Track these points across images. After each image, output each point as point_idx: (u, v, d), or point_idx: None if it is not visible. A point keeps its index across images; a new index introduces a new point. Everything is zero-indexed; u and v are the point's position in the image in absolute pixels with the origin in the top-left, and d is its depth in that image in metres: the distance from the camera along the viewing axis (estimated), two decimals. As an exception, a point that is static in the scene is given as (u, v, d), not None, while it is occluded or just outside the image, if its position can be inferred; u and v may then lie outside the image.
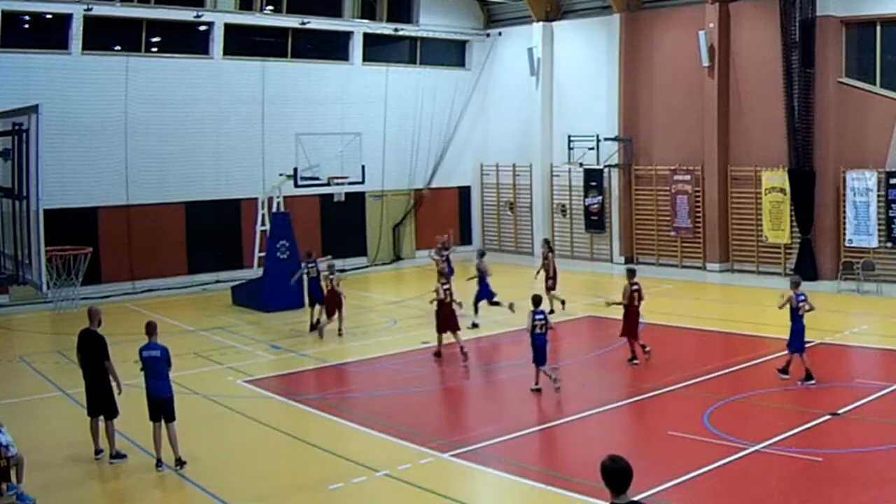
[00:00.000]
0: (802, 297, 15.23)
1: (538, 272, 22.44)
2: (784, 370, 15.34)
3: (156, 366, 11.92)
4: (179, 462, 11.80)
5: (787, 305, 15.24)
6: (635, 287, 16.98)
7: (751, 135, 26.81)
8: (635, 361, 16.83)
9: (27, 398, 15.56)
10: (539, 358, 15.07)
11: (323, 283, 20.43)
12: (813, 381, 15.01)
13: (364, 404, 15.26)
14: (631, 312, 16.94)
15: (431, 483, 11.20)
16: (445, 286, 17.76)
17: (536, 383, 15.19)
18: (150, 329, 12.08)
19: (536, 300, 15.58)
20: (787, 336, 15.19)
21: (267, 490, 11.20)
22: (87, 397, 12.35)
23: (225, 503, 10.78)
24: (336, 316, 20.06)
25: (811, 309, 15.29)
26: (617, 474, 5.85)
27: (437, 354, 17.77)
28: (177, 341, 18.51)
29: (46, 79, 24.00)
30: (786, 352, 15.38)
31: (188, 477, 11.58)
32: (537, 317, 15.11)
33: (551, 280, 22.02)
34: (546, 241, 23.51)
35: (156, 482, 11.59)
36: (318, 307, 20.81)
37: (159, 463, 11.83)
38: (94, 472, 11.96)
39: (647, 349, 17.05)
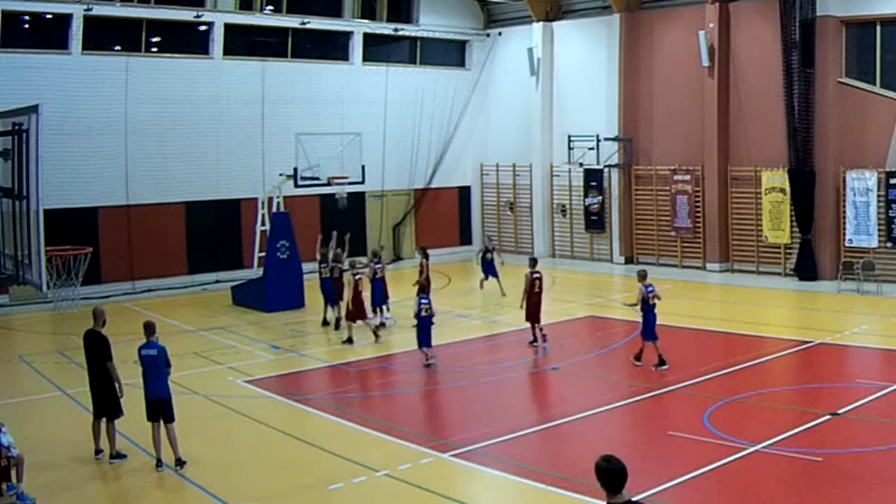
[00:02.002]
0: (651, 289, 16.22)
1: (416, 283, 19.56)
2: (637, 357, 16.32)
3: (153, 365, 11.92)
4: (179, 462, 11.80)
5: (640, 299, 16.19)
6: (536, 276, 18.32)
7: (751, 135, 26.80)
8: (535, 343, 18.30)
9: (27, 398, 15.54)
10: (424, 339, 16.95)
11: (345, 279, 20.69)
12: (666, 367, 15.89)
13: (364, 404, 15.27)
14: (531, 299, 18.21)
15: (431, 483, 11.19)
16: (357, 276, 19.31)
17: (427, 358, 16.92)
18: (149, 329, 12.09)
19: (420, 287, 17.85)
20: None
21: (267, 490, 11.20)
22: (92, 398, 12.35)
23: (225, 503, 10.78)
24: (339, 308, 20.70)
25: (660, 299, 16.32)
26: (611, 474, 5.87)
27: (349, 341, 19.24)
28: (177, 341, 18.52)
29: (46, 79, 23.96)
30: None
31: (188, 477, 11.57)
32: (422, 301, 16.99)
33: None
34: (422, 249, 22.38)
35: (156, 482, 11.58)
36: (329, 306, 21.11)
37: (159, 463, 11.83)
38: (95, 473, 11.95)
39: (535, 342, 18.24)
